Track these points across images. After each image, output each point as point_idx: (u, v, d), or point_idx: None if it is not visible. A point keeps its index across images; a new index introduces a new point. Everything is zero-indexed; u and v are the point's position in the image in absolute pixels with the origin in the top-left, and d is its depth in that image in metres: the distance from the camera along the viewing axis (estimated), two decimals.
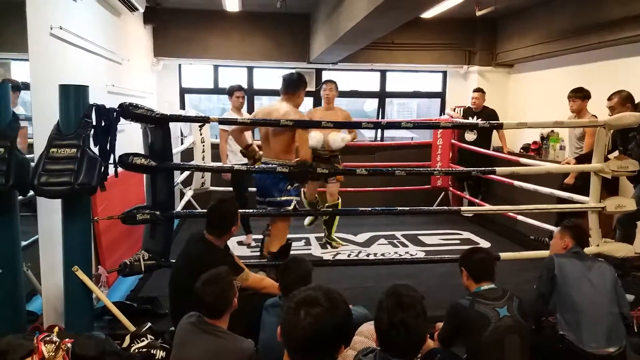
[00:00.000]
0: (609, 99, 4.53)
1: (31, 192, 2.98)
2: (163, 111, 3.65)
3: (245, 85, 7.69)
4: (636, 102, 4.45)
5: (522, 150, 6.80)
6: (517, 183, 5.11)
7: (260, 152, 4.08)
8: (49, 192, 2.90)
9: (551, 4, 6.14)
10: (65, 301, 3.21)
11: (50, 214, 3.22)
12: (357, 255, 5.28)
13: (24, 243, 3.40)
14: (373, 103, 8.20)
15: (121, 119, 3.33)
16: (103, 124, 3.21)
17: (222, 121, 4.43)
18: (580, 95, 5.03)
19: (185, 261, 3.10)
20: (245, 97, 5.75)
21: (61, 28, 3.48)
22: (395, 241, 5.83)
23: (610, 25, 5.22)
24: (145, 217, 3.42)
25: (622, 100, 4.43)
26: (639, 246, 4.59)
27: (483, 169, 4.44)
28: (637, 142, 4.40)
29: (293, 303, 1.50)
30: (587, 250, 3.51)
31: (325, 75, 7.81)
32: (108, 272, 3.59)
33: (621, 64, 5.53)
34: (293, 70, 7.65)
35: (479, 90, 6.81)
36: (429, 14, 6.27)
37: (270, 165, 3.80)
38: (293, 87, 3.97)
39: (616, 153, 4.57)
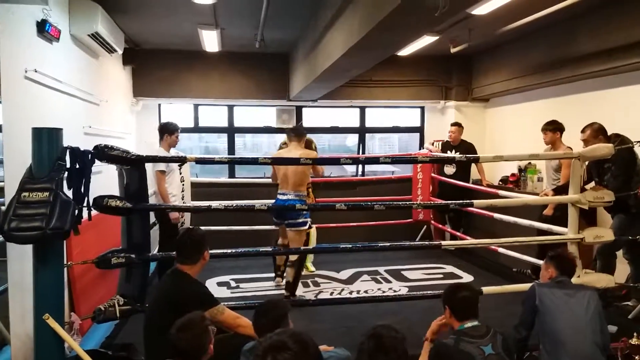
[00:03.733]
0: (582, 131, 4.62)
1: (1, 238, 2.89)
2: (142, 151, 3.63)
3: (225, 124, 7.76)
4: (609, 134, 4.54)
5: (500, 183, 6.86)
6: (497, 215, 5.14)
7: None
8: (19, 237, 2.81)
9: (523, 40, 6.33)
10: (36, 351, 3.07)
11: (21, 259, 3.13)
12: (340, 293, 5.21)
13: None
14: (355, 138, 8.28)
15: (96, 161, 3.29)
16: (77, 166, 3.17)
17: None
18: (550, 127, 5.13)
19: (159, 296, 3.05)
20: None
21: (36, 71, 3.47)
22: (378, 277, 5.78)
23: (580, 59, 5.39)
24: (120, 260, 3.34)
25: (595, 132, 4.52)
26: (620, 276, 4.61)
27: (461, 201, 4.46)
28: (613, 173, 4.48)
29: (260, 350, 1.46)
30: None
31: (306, 112, 7.88)
32: (82, 319, 3.47)
33: (592, 97, 5.68)
34: (274, 108, 7.80)
35: (456, 124, 6.92)
36: (405, 52, 6.41)
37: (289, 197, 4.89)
38: (301, 134, 5.09)
39: (593, 184, 4.63)
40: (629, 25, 4.77)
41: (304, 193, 4.97)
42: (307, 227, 4.93)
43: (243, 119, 7.96)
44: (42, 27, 3.61)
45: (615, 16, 4.94)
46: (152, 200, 4.90)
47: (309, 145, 5.35)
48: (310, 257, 5.99)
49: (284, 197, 4.92)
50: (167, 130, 5.17)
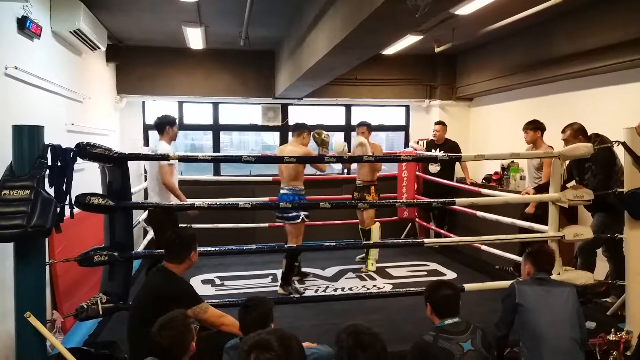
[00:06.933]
0: (563, 131, 4.68)
1: None
2: (126, 148, 3.60)
3: (210, 121, 7.73)
4: (589, 133, 4.61)
5: (484, 181, 6.93)
6: (479, 213, 5.19)
7: None
8: None
9: (506, 41, 6.40)
10: (17, 350, 3.05)
11: (1, 257, 3.10)
12: (324, 290, 5.23)
13: None
14: (342, 136, 8.30)
15: (78, 158, 3.27)
16: (59, 164, 3.14)
17: (181, 158, 4.22)
18: (531, 127, 5.20)
19: (144, 292, 3.06)
20: None
21: (16, 68, 3.44)
22: (363, 274, 5.81)
23: (559, 60, 5.47)
24: (103, 258, 3.32)
25: (574, 132, 4.58)
26: (599, 273, 4.69)
27: (443, 200, 4.50)
28: (593, 172, 4.55)
29: (246, 346, 1.48)
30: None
31: (291, 110, 7.89)
32: (64, 317, 3.45)
33: (572, 97, 5.77)
34: (259, 106, 7.78)
35: (440, 123, 6.98)
36: (389, 51, 6.44)
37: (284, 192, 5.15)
38: (299, 129, 5.24)
39: (573, 182, 4.70)
40: (603, 29, 4.87)
41: (299, 187, 5.11)
42: (300, 220, 5.03)
43: (228, 117, 7.94)
44: (23, 24, 3.58)
45: (589, 20, 5.04)
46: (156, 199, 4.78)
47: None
48: (373, 254, 6.05)
49: (281, 192, 5.17)
50: (168, 122, 4.89)
